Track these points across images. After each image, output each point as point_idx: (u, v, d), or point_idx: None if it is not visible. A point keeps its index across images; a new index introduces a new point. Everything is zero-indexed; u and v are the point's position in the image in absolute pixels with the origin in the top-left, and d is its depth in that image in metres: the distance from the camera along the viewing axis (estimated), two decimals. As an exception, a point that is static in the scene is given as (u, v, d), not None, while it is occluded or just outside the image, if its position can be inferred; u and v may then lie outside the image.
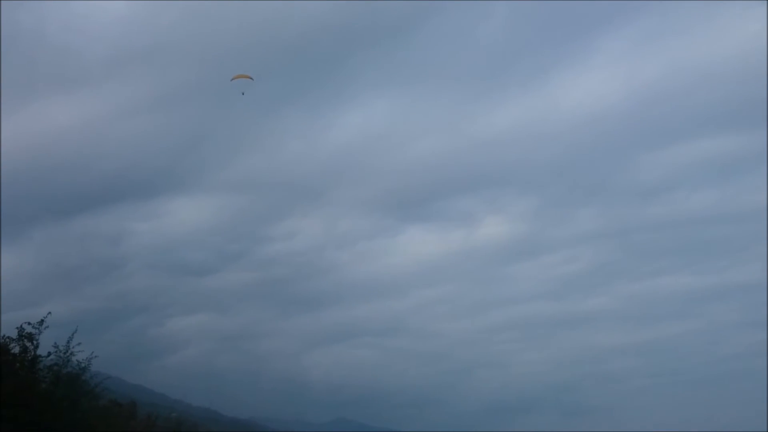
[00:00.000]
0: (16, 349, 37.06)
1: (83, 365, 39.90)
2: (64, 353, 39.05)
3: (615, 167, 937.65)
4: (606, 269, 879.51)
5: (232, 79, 60.58)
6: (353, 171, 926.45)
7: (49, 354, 38.64)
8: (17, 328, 37.07)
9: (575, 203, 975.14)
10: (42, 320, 37.32)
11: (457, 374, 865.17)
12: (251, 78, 62.28)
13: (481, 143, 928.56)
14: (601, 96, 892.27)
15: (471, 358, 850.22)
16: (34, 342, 37.34)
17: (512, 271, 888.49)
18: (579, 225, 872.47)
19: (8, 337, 37.11)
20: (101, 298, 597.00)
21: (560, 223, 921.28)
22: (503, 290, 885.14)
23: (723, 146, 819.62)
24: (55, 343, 38.89)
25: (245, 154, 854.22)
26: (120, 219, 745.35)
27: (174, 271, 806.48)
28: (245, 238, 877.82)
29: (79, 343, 39.41)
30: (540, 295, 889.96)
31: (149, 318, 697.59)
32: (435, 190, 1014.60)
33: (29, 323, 37.19)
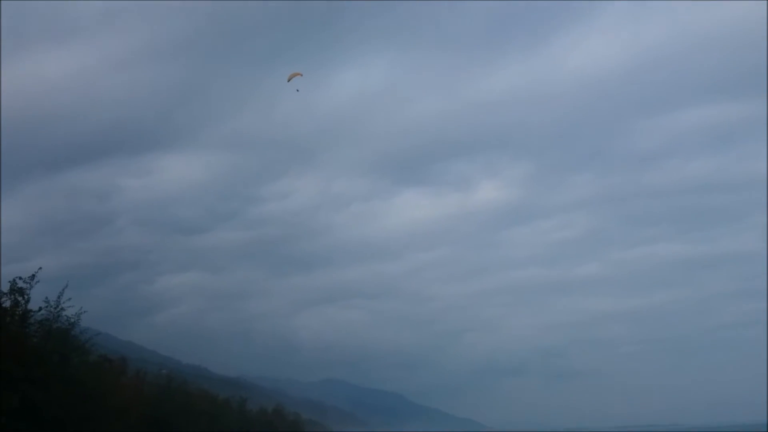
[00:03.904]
0: (8, 304, 37.21)
1: (73, 321, 40.21)
2: (55, 308, 39.30)
3: (612, 133, 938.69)
4: (599, 236, 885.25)
5: (289, 80, 65.18)
6: (349, 131, 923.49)
7: (40, 309, 38.86)
8: (10, 282, 37.24)
9: (571, 169, 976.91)
10: (33, 275, 37.48)
11: (448, 337, 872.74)
12: (301, 74, 66.89)
13: (479, 106, 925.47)
14: (601, 60, 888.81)
15: (462, 322, 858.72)
16: (25, 297, 37.52)
17: (506, 236, 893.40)
18: (574, 191, 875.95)
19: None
20: (91, 253, 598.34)
21: (556, 189, 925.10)
22: (497, 255, 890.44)
23: (722, 114, 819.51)
24: (46, 297, 39.13)
25: (239, 111, 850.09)
26: (110, 174, 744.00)
27: (165, 229, 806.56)
28: (238, 198, 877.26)
29: (69, 299, 39.74)
30: (533, 260, 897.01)
31: (139, 275, 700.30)
32: (431, 153, 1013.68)
33: (20, 278, 37.34)
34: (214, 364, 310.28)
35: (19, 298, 37.53)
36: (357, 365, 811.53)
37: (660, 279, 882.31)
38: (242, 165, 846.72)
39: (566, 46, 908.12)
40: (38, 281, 37.80)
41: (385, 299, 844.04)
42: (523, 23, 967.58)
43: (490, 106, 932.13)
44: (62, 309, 39.62)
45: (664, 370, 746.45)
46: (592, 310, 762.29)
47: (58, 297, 39.56)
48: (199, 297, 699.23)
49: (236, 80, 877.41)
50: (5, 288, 37.37)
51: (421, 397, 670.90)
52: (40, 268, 37.86)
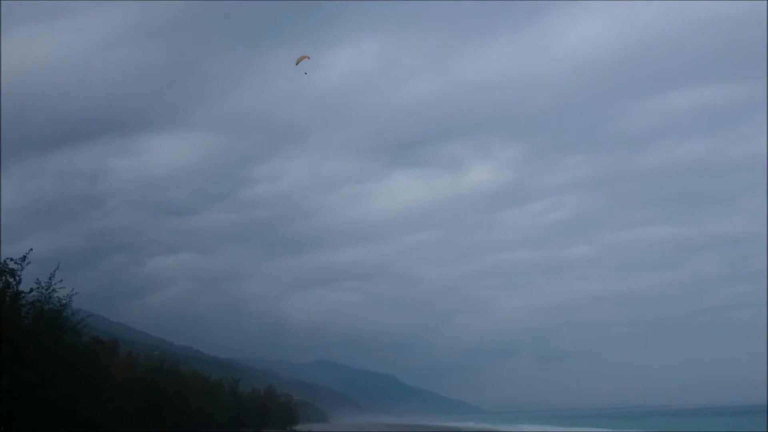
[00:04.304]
0: (-1, 285, 37.13)
1: (65, 302, 40.19)
2: (46, 290, 39.26)
3: (604, 115, 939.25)
4: (590, 218, 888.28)
5: (297, 63, 65.92)
6: (341, 112, 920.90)
7: (31, 290, 38.82)
8: (1, 263, 37.13)
9: (563, 150, 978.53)
10: (24, 256, 37.39)
11: (440, 318, 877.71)
12: (309, 57, 69.07)
13: (471, 87, 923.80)
14: (594, 40, 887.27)
15: (453, 304, 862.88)
16: (17, 278, 37.45)
17: (498, 218, 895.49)
18: (566, 173, 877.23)
19: (-9, 273, 37.12)
20: (82, 234, 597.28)
21: (547, 171, 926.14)
22: (488, 237, 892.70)
23: (715, 95, 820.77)
24: (37, 279, 39.09)
25: (229, 91, 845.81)
26: (100, 155, 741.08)
27: (155, 210, 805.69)
28: (228, 179, 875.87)
29: (60, 280, 39.68)
30: (524, 242, 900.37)
31: (130, 256, 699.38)
32: (423, 134, 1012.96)
33: (11, 259, 37.26)
34: (205, 346, 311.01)
35: (10, 280, 37.43)
36: (349, 347, 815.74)
37: (652, 261, 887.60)
38: (233, 146, 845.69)
39: (559, 27, 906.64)
40: (29, 262, 37.74)
41: (376, 281, 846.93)
42: (515, 3, 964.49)
43: (482, 87, 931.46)
44: (54, 290, 39.59)
45: (654, 351, 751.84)
46: (583, 292, 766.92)
47: (50, 278, 39.51)
48: (190, 279, 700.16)
49: (227, 60, 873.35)
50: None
51: (413, 379, 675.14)
52: (31, 249, 37.82)
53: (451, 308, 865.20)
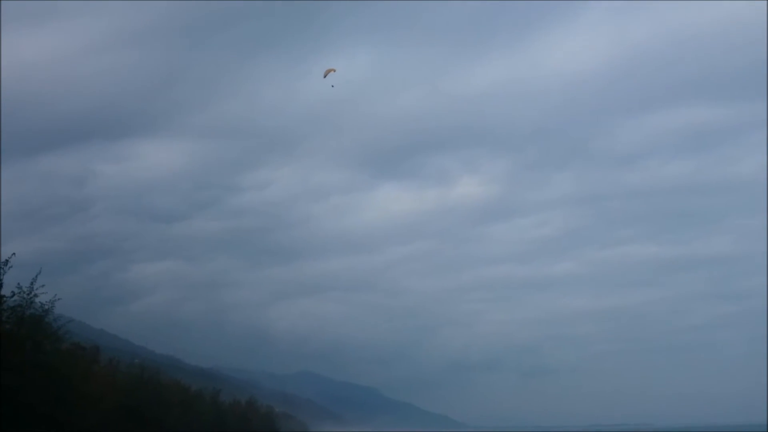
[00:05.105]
0: (-20, 289, 36.81)
1: (46, 307, 39.90)
2: (28, 294, 38.97)
3: (593, 132, 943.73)
4: (576, 234, 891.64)
5: (325, 76, 69.25)
6: (331, 123, 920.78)
7: (13, 295, 38.53)
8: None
9: (551, 167, 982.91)
10: (6, 260, 37.14)
11: (424, 331, 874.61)
12: (335, 70, 71.12)
13: (460, 101, 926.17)
14: (583, 59, 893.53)
15: (438, 316, 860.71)
16: (-2, 282, 37.18)
17: (484, 232, 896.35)
18: (553, 189, 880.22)
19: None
20: (65, 239, 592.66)
21: (534, 187, 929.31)
22: (475, 251, 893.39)
23: (702, 116, 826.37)
24: (19, 283, 38.82)
25: (219, 98, 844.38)
26: (86, 160, 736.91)
27: (141, 216, 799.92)
28: (216, 186, 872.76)
29: (42, 285, 39.44)
30: (510, 257, 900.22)
31: (114, 262, 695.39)
32: (412, 147, 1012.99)
33: (-6, 263, 36.96)
34: (187, 355, 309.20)
35: (-8, 284, 37.15)
36: (332, 358, 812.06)
37: (636, 279, 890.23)
38: (221, 153, 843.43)
39: (549, 44, 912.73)
40: (11, 266, 37.49)
41: (361, 292, 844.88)
42: (506, 20, 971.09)
43: (471, 102, 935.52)
44: (35, 295, 39.33)
45: (638, 369, 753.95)
46: (567, 308, 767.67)
47: (32, 283, 39.29)
48: (174, 286, 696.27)
49: (218, 67, 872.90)
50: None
51: (396, 392, 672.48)
52: (14, 253, 37.60)
53: (436, 321, 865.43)
